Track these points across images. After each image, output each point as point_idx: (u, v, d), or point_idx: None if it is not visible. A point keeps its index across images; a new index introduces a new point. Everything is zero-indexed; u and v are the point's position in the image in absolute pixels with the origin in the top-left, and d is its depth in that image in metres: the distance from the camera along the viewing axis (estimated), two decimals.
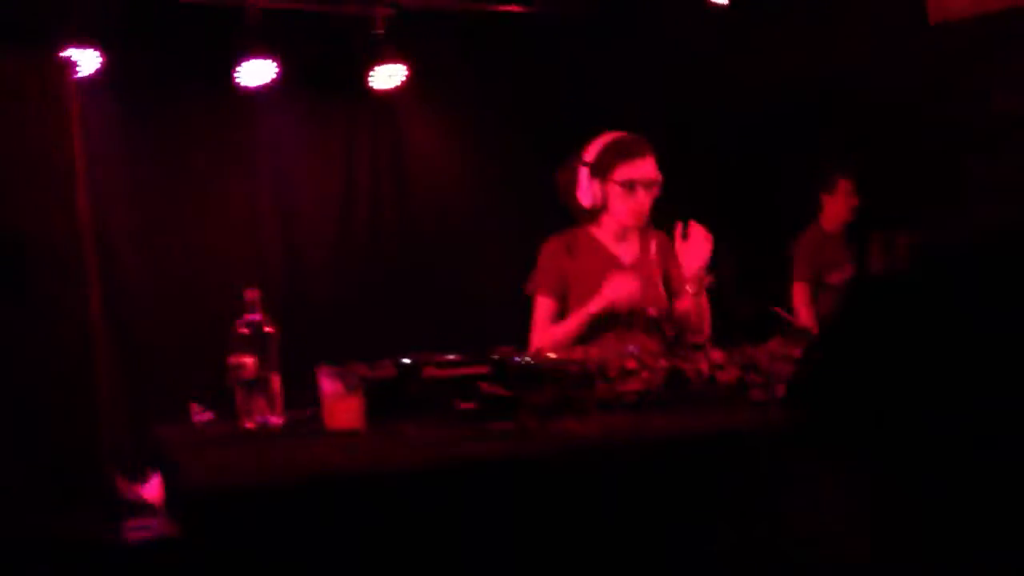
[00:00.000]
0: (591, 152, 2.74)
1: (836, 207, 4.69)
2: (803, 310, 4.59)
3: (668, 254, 2.76)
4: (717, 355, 1.87)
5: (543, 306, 2.73)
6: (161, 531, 1.79)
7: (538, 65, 5.02)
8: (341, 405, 1.81)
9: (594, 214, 2.75)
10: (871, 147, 4.65)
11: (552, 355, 2.01)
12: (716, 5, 4.57)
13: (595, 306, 2.59)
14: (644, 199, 2.69)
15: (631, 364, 1.92)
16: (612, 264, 2.73)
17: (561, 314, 2.70)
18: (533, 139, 4.85)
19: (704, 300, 2.67)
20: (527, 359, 1.94)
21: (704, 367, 1.83)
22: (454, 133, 5.09)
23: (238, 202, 4.62)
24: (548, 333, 2.67)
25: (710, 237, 2.61)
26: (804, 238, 4.71)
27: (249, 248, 4.56)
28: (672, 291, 2.75)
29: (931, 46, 4.37)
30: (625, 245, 2.78)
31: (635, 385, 1.83)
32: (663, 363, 1.91)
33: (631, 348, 2.01)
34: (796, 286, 4.63)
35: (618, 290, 2.58)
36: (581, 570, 1.51)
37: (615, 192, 2.69)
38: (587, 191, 2.72)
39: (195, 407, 2.27)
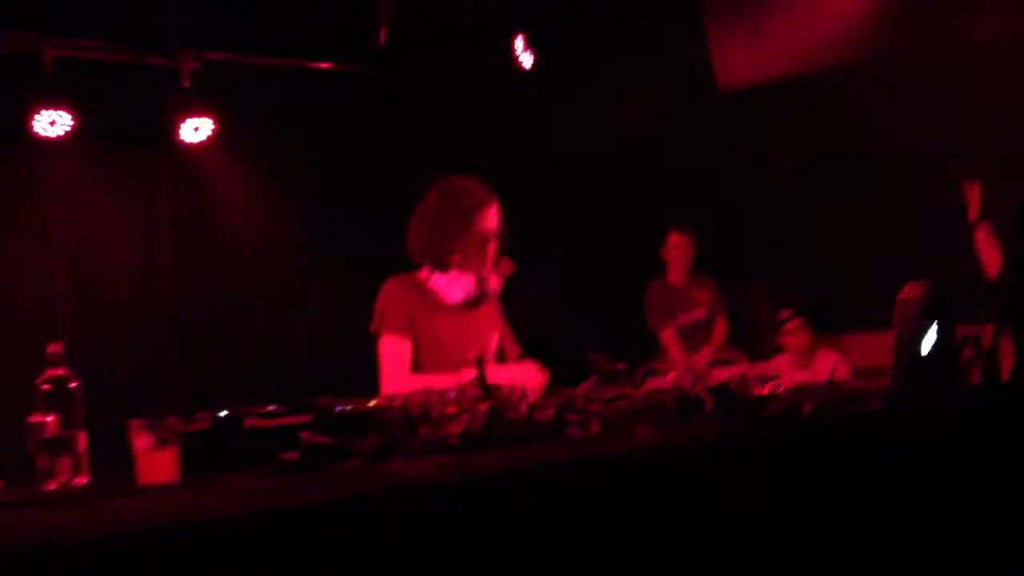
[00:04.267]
0: (442, 199, 2.74)
1: (673, 260, 4.99)
2: (674, 350, 4.86)
3: (503, 303, 2.84)
4: (535, 396, 1.93)
5: (397, 345, 2.67)
6: None
7: (344, 119, 5.06)
8: (154, 459, 1.74)
9: (440, 261, 2.73)
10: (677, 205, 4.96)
11: (371, 402, 2.01)
12: (520, 67, 4.78)
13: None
14: (494, 248, 2.73)
15: (451, 408, 1.95)
16: (454, 314, 2.75)
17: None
18: (340, 190, 4.86)
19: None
20: (348, 407, 1.94)
21: (523, 407, 1.89)
22: (260, 186, 5.04)
23: (31, 257, 4.37)
24: (409, 381, 2.60)
25: (544, 374, 2.63)
26: (650, 290, 4.99)
27: (43, 303, 4.31)
28: (503, 331, 2.82)
29: (719, 110, 4.73)
30: (458, 287, 2.77)
31: (456, 427, 1.86)
32: (482, 406, 1.95)
33: (451, 393, 2.04)
34: (663, 334, 4.91)
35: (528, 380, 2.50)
36: None
37: (470, 242, 2.70)
38: (439, 240, 2.71)
39: None
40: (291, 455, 1.82)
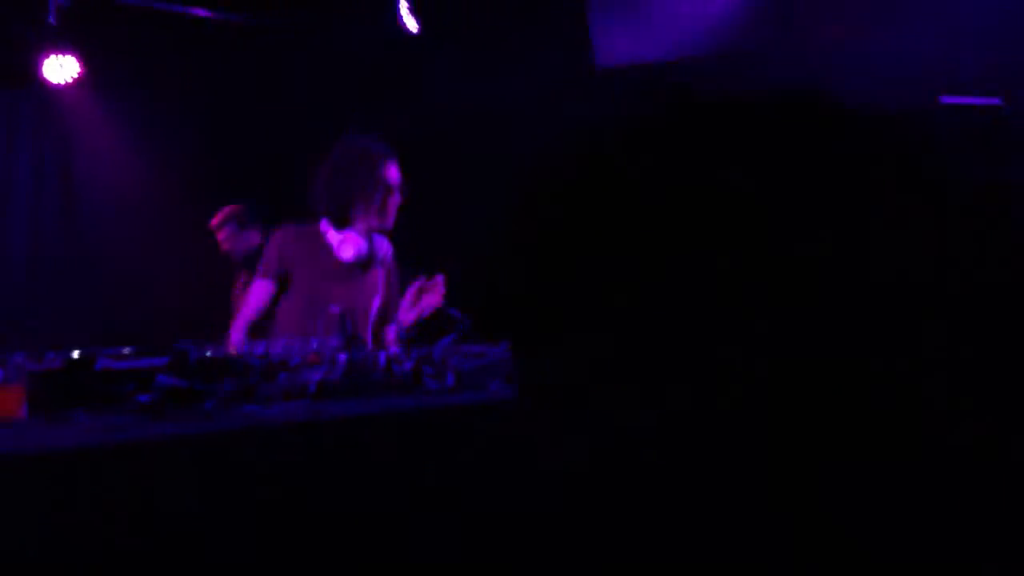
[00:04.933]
0: (349, 150, 2.81)
1: None
2: None
3: (395, 264, 2.92)
4: (395, 349, 1.98)
5: (260, 288, 2.77)
6: None
7: (219, 66, 4.95)
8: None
9: (341, 211, 2.79)
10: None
11: (234, 348, 2.02)
12: (406, 29, 4.77)
13: None
14: (395, 201, 2.81)
15: (312, 357, 1.98)
16: (342, 272, 2.82)
17: (279, 295, 2.77)
18: (209, 137, 4.77)
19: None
20: (208, 351, 1.94)
21: (382, 359, 1.93)
22: (127, 129, 4.88)
23: None
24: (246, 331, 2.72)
25: (441, 296, 2.74)
26: None
27: None
28: (388, 296, 2.90)
29: (595, 92, 4.82)
30: (352, 245, 2.83)
31: (315, 376, 1.89)
32: (342, 356, 1.98)
33: (313, 342, 2.07)
34: None
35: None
36: (265, 548, 1.54)
37: (373, 193, 2.77)
38: (343, 190, 2.78)
39: None
40: (145, 397, 1.81)
